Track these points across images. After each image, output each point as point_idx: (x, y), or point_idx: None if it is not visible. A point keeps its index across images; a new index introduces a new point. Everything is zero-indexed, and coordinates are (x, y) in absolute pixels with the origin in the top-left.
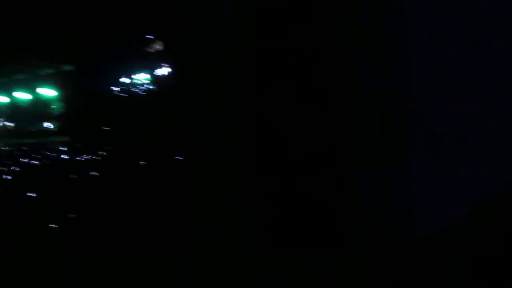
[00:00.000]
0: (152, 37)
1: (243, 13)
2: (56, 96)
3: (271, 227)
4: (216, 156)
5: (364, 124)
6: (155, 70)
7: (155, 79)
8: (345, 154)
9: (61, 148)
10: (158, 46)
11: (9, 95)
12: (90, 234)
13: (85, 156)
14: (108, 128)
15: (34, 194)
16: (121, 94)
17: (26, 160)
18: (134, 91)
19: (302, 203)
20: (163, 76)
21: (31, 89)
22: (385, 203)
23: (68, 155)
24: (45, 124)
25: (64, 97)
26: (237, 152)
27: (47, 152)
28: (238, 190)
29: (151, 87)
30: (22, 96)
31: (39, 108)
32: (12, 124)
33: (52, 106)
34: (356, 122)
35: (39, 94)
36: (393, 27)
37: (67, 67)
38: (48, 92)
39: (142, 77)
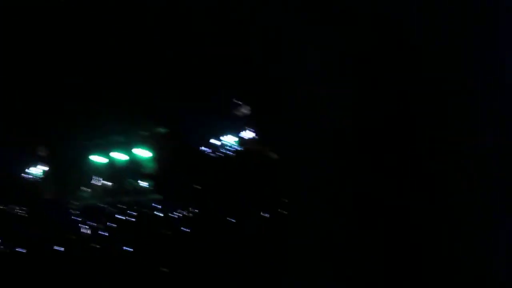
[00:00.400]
0: (240, 102)
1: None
2: (151, 156)
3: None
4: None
5: None
6: (242, 133)
7: (242, 141)
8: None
9: (154, 205)
10: (245, 111)
11: (107, 156)
12: None
13: (178, 213)
14: (199, 187)
15: (130, 249)
16: (211, 154)
17: (122, 217)
18: (223, 151)
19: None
20: (251, 139)
21: (127, 150)
22: None
23: (161, 212)
24: (140, 183)
25: (158, 157)
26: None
27: (142, 209)
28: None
29: (238, 148)
30: (119, 156)
31: (135, 167)
32: (109, 183)
33: (146, 165)
34: None
35: (135, 154)
36: None
37: (161, 130)
38: (143, 152)
39: (230, 139)
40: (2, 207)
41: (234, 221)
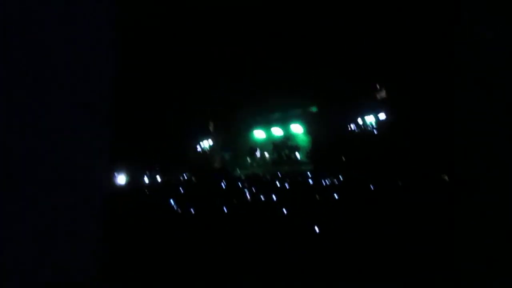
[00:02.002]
0: (380, 87)
1: None
2: (304, 131)
3: None
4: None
5: None
6: (381, 114)
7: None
8: None
9: (309, 174)
10: (383, 94)
11: (268, 131)
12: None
13: (328, 181)
14: (345, 159)
15: (286, 212)
16: (355, 131)
17: (279, 184)
18: (365, 129)
19: None
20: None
21: (284, 126)
22: None
23: (313, 181)
24: (296, 155)
25: (310, 133)
26: None
27: (297, 177)
28: None
29: (376, 127)
30: (277, 131)
31: (291, 141)
32: (268, 155)
33: (300, 139)
34: None
35: (291, 130)
36: None
37: (313, 108)
38: (297, 128)
39: (370, 119)
40: (178, 175)
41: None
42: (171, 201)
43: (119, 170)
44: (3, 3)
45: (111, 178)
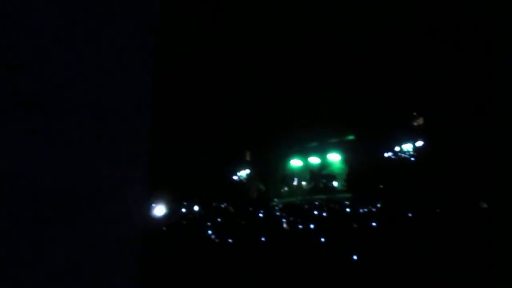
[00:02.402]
0: (415, 114)
1: None
2: (341, 160)
3: None
4: None
5: None
6: (417, 141)
7: (417, 149)
8: None
9: (346, 203)
10: (420, 122)
11: (304, 160)
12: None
13: (365, 209)
14: (382, 186)
15: (323, 240)
16: (393, 159)
17: (316, 212)
18: (402, 157)
19: None
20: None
21: (321, 154)
22: None
23: (351, 208)
24: (333, 183)
25: (347, 160)
26: None
27: (335, 206)
28: None
29: (413, 154)
30: (314, 160)
31: (328, 169)
32: (305, 184)
33: (337, 168)
34: None
35: (327, 158)
36: None
37: (350, 136)
38: (334, 156)
39: (407, 146)
40: (216, 204)
41: (413, 215)
42: (209, 232)
43: (157, 201)
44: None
45: (149, 210)
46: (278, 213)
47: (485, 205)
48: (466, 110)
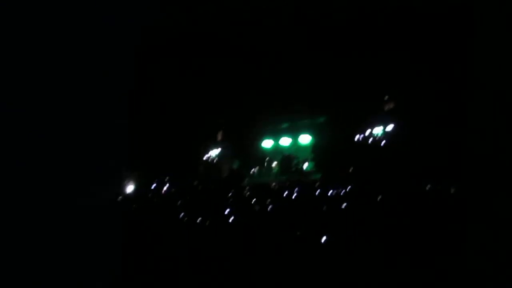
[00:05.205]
0: (387, 98)
1: None
2: (311, 141)
3: None
4: None
5: None
6: (388, 125)
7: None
8: None
9: (316, 184)
10: (391, 106)
11: (276, 141)
12: None
13: (334, 191)
14: (351, 168)
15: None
16: (361, 142)
17: (286, 193)
18: (372, 140)
19: None
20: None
21: (292, 135)
22: None
23: (321, 190)
24: (304, 164)
25: (318, 143)
26: None
27: (305, 187)
28: None
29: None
30: (286, 141)
31: (298, 151)
32: (276, 165)
33: (308, 149)
34: None
35: (298, 140)
36: None
37: (321, 119)
38: (305, 138)
39: (378, 130)
40: (187, 182)
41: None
42: (178, 208)
43: (129, 177)
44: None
45: (123, 185)
46: (248, 193)
47: (453, 190)
48: (438, 97)
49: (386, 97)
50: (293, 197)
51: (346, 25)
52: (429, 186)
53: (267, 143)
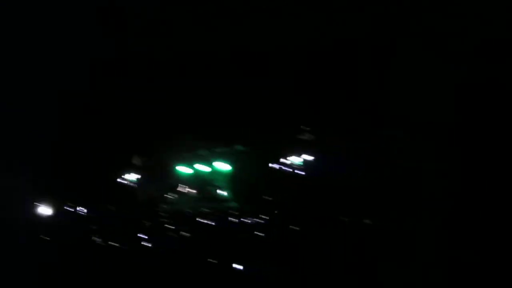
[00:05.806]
0: (307, 128)
1: None
2: (229, 169)
3: None
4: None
5: None
6: (307, 155)
7: (306, 162)
8: None
9: (231, 212)
10: (310, 136)
11: (193, 167)
12: None
13: (251, 220)
14: (270, 198)
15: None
16: (280, 172)
17: (203, 220)
18: (288, 170)
19: None
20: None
21: (209, 163)
22: None
23: (237, 218)
24: (220, 192)
25: (235, 171)
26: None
27: (222, 215)
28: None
29: (303, 168)
30: (202, 168)
31: (216, 178)
32: (194, 191)
33: (225, 177)
34: None
35: (215, 167)
36: None
37: (238, 147)
38: (223, 166)
39: (296, 160)
40: (100, 207)
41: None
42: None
43: (42, 202)
44: None
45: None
46: (164, 219)
47: (368, 221)
48: (356, 128)
49: (305, 127)
50: (210, 224)
51: (264, 56)
52: (346, 219)
53: (184, 169)
